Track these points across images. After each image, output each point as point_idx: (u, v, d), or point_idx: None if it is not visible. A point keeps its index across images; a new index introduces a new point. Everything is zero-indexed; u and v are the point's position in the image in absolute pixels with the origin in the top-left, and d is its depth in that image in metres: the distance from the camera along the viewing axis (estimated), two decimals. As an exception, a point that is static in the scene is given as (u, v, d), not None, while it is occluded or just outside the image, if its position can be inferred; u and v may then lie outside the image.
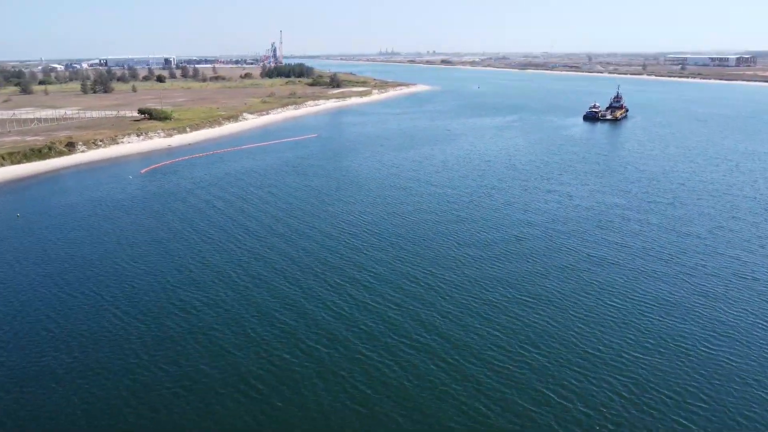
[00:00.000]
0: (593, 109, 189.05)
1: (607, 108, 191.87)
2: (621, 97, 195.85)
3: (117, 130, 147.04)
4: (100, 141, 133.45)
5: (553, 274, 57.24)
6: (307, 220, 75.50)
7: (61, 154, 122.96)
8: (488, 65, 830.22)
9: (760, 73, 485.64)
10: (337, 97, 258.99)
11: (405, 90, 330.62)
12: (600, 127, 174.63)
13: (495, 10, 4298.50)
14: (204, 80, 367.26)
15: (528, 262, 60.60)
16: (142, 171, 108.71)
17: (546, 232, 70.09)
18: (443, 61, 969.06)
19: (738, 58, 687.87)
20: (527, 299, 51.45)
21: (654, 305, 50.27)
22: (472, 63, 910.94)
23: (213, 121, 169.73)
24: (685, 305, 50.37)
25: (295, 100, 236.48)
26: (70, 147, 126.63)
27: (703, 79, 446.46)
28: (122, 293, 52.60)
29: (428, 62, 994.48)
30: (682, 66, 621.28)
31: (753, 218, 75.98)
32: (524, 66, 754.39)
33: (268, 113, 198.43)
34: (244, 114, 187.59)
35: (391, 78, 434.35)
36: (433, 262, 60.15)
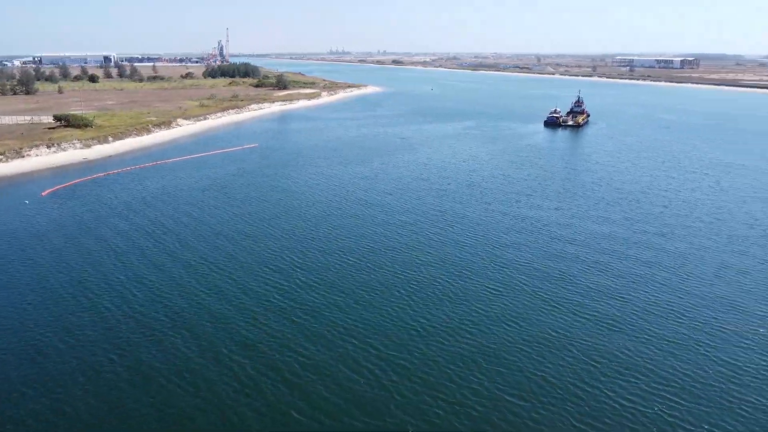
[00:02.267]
0: (554, 115, 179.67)
1: (569, 113, 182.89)
2: (582, 102, 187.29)
3: (25, 140, 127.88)
4: (0, 154, 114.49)
5: (535, 340, 44.65)
6: (227, 257, 60.79)
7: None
8: (440, 65, 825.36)
9: (707, 76, 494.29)
10: (283, 100, 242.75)
11: (355, 92, 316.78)
12: (562, 134, 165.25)
13: (444, 9, 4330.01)
14: (141, 80, 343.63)
15: (502, 323, 47.83)
16: (44, 193, 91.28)
17: (521, 279, 57.53)
18: (394, 61, 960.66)
19: (682, 60, 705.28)
20: (499, 381, 38.69)
21: (670, 384, 38.44)
22: (424, 63, 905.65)
23: (141, 128, 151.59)
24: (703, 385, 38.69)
25: (236, 103, 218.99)
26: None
27: (653, 81, 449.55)
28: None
29: (379, 62, 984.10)
30: (630, 68, 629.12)
31: (761, 252, 65.67)
32: (476, 66, 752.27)
33: (205, 118, 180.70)
34: (178, 120, 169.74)
35: (342, 78, 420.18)
36: (376, 313, 46.75)
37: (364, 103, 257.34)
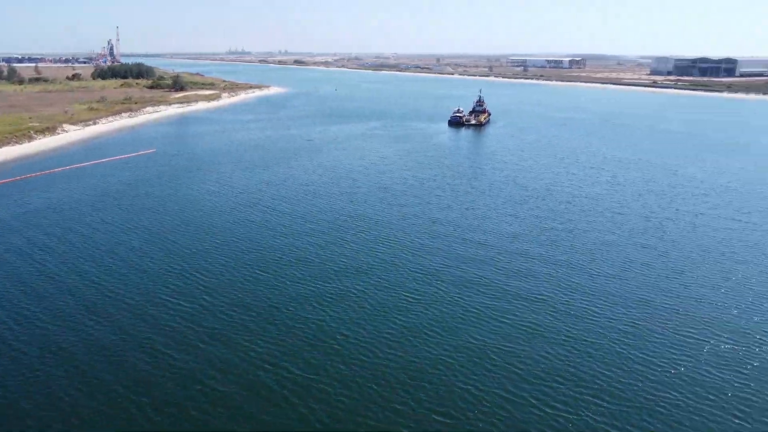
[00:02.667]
0: (457, 114, 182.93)
1: (471, 112, 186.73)
2: (483, 101, 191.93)
3: None
4: None
5: (456, 350, 43.45)
6: (120, 279, 55.30)
7: None
8: (342, 66, 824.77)
9: (593, 75, 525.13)
10: (180, 102, 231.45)
11: (257, 92, 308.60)
12: (466, 133, 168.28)
13: (345, 10, 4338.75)
14: (21, 82, 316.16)
15: (423, 333, 46.33)
16: None
17: (438, 285, 56.37)
18: (296, 62, 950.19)
19: (570, 61, 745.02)
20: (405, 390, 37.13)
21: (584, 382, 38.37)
22: (326, 63, 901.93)
23: (21, 135, 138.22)
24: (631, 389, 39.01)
25: (130, 105, 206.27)
26: None
27: (546, 80, 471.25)
28: None
29: (280, 62, 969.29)
30: (524, 68, 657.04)
31: (660, 243, 68.48)
32: (378, 67, 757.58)
33: (95, 123, 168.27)
34: (65, 125, 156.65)
35: (242, 79, 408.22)
36: (288, 333, 43.79)
37: (267, 104, 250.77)
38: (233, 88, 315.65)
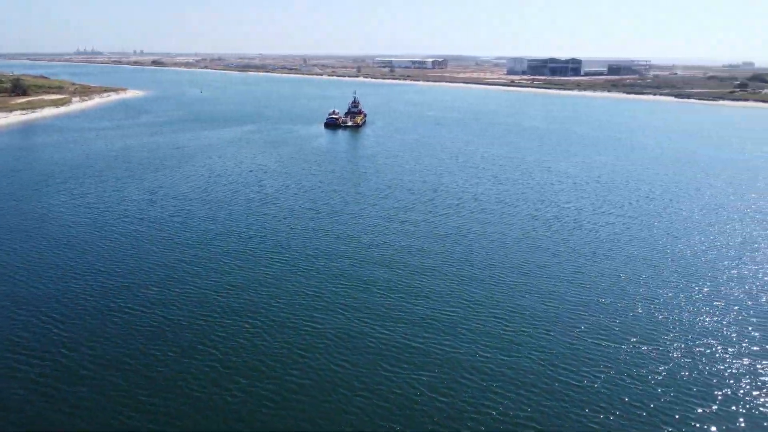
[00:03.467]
0: (333, 116, 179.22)
1: (347, 114, 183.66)
2: (358, 102, 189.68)
3: None
4: None
5: (367, 386, 39.35)
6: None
7: None
8: (205, 66, 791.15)
9: (456, 75, 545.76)
10: (23, 108, 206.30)
11: (114, 96, 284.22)
12: (343, 135, 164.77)
13: (202, 7, 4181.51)
14: None
15: (328, 381, 41.69)
16: None
17: (338, 311, 51.92)
18: (154, 62, 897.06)
19: (433, 62, 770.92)
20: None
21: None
22: (187, 64, 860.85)
23: None
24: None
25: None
26: None
27: (413, 80, 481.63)
28: None
29: (137, 63, 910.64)
30: (390, 68, 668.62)
31: (551, 243, 68.71)
32: (243, 68, 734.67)
33: None
34: None
35: (95, 81, 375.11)
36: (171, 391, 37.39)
37: (126, 109, 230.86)
38: (85, 91, 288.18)
